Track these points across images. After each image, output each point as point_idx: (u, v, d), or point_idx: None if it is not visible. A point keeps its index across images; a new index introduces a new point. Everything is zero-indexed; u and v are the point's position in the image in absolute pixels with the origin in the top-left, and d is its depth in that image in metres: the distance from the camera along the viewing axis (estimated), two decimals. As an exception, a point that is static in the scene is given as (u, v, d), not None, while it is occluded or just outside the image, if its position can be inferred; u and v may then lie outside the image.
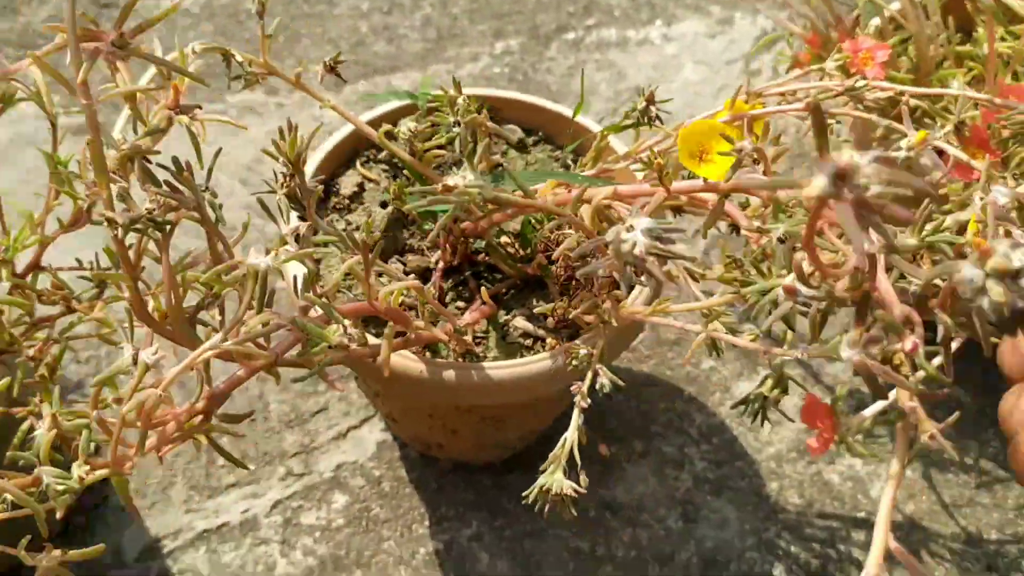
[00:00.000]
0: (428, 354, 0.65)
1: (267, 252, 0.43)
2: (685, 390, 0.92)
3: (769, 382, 0.51)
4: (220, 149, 0.54)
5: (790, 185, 0.29)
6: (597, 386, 0.55)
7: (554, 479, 0.51)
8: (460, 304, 0.67)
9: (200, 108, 0.50)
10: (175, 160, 0.46)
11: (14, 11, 1.26)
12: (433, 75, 1.18)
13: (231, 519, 0.82)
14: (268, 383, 0.92)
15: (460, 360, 0.64)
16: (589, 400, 0.56)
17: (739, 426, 0.89)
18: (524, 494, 0.53)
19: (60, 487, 0.39)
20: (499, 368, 0.61)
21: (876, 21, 0.70)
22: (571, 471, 0.58)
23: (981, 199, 0.46)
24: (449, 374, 0.62)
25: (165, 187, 0.44)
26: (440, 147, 0.65)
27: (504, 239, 0.68)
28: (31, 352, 0.54)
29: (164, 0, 1.22)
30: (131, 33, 0.44)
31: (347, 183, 0.74)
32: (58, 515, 0.41)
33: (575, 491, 0.53)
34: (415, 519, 0.82)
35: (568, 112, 0.77)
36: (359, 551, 0.80)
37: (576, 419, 0.54)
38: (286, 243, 0.47)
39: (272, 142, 0.50)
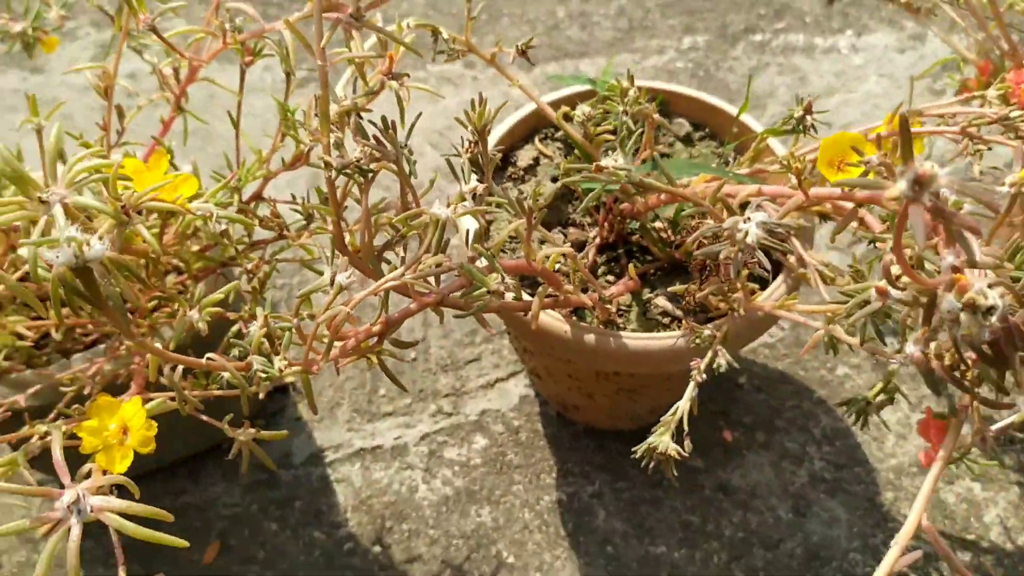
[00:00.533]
0: (574, 318, 0.72)
1: (447, 206, 0.51)
2: (816, 392, 0.95)
3: (878, 386, 0.55)
4: (420, 114, 0.62)
5: (878, 186, 0.33)
6: (715, 366, 0.61)
7: (661, 440, 0.57)
8: (610, 278, 0.74)
9: (408, 76, 0.58)
10: (383, 119, 0.55)
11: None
12: (618, 64, 1.24)
13: (385, 443, 0.93)
14: (432, 328, 1.01)
15: (601, 327, 0.70)
16: (705, 376, 0.61)
17: (865, 434, 0.92)
18: (634, 449, 0.59)
19: (264, 373, 0.49)
20: (634, 339, 0.68)
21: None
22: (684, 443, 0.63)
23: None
24: (589, 337, 0.69)
25: (373, 141, 0.53)
26: (610, 132, 0.71)
27: (658, 224, 0.74)
28: (248, 266, 0.65)
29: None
30: (366, 7, 0.53)
31: (524, 156, 0.82)
32: (260, 395, 0.51)
33: (680, 455, 0.58)
34: (544, 470, 0.90)
35: (735, 111, 0.82)
36: (491, 489, 0.89)
37: (690, 391, 0.60)
38: (464, 200, 0.55)
39: (464, 112, 0.58)
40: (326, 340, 0.55)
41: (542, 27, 1.30)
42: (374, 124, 0.57)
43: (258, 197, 0.68)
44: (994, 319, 0.30)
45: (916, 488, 0.88)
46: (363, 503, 0.89)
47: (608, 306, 0.68)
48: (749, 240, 0.41)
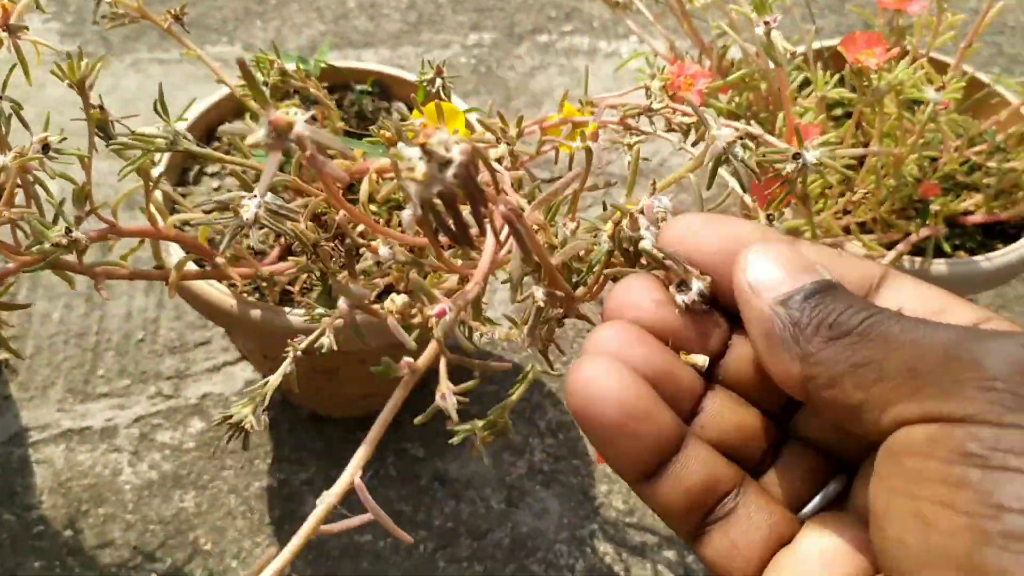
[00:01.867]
0: (257, 296, 0.70)
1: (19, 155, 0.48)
2: (547, 385, 0.95)
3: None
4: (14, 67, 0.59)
5: (242, 132, 0.33)
6: (317, 345, 0.59)
7: (242, 412, 0.55)
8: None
9: (27, 29, 0.56)
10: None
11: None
12: (401, 56, 1.23)
13: (95, 424, 0.89)
14: (166, 310, 0.98)
15: (272, 304, 0.69)
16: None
17: (588, 428, 0.92)
18: (216, 420, 0.57)
19: None
20: (295, 316, 0.66)
21: (736, 54, 0.73)
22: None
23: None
24: (255, 313, 0.67)
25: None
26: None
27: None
28: None
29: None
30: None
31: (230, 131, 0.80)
32: None
33: (253, 428, 0.55)
34: (259, 455, 0.88)
35: (462, 105, 0.82)
36: (199, 474, 0.86)
37: (285, 366, 0.58)
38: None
39: (56, 64, 0.55)
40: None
41: (331, 15, 1.28)
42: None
43: None
44: (451, 172, 0.28)
45: (632, 482, 0.89)
46: (61, 485, 0.85)
47: (265, 282, 0.66)
48: (246, 217, 0.40)
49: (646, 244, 0.38)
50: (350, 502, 0.44)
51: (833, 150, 0.63)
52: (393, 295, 0.43)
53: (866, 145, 0.77)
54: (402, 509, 0.85)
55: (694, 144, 0.68)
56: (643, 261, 0.39)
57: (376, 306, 0.47)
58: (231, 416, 0.52)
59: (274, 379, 0.55)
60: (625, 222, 0.40)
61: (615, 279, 0.41)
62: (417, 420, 0.47)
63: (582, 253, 0.44)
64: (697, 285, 0.33)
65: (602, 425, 0.31)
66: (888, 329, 0.28)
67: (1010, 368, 0.25)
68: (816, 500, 0.34)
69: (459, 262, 0.55)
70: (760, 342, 0.31)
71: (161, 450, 0.87)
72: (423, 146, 0.27)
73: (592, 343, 0.33)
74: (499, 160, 0.60)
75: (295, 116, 0.29)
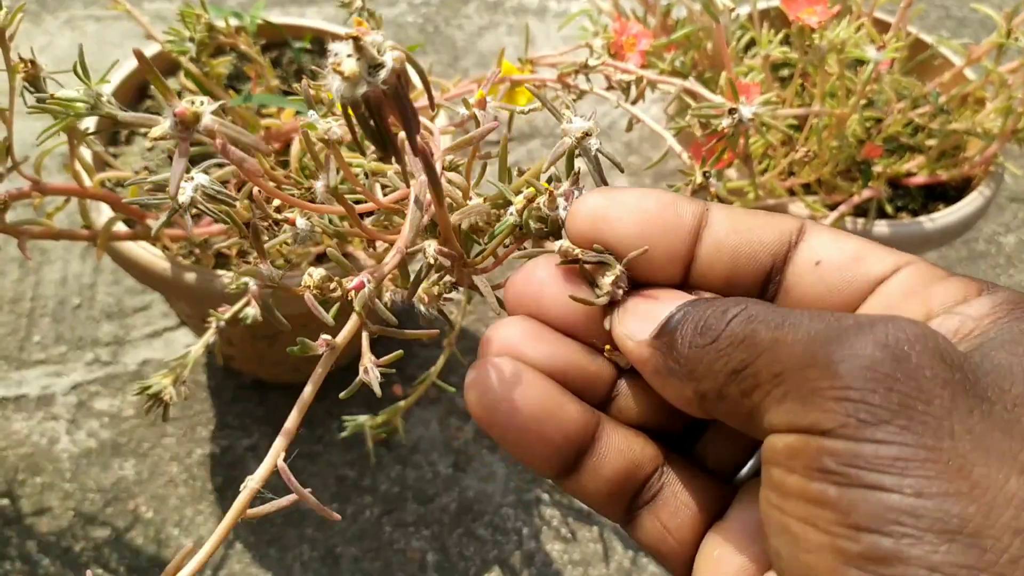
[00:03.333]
0: (192, 259, 0.68)
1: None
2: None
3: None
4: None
5: (145, 123, 0.31)
6: (241, 316, 0.57)
7: (160, 382, 0.54)
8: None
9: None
10: None
11: None
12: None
13: (30, 392, 0.87)
14: (103, 274, 0.96)
15: (205, 267, 0.67)
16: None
17: (535, 391, 0.92)
18: (136, 390, 0.56)
19: None
20: (209, 277, 0.64)
21: (681, 12, 0.72)
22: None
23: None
24: (189, 276, 0.65)
25: None
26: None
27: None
28: None
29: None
30: None
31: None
32: None
33: (172, 400, 0.54)
34: (201, 422, 0.86)
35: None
36: (139, 442, 0.85)
37: (208, 336, 0.56)
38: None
39: None
40: None
41: (275, -29, 1.25)
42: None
43: None
44: (382, 76, 0.26)
45: (579, 444, 0.88)
46: (-5, 455, 0.83)
47: (198, 247, 0.64)
48: (182, 200, 0.39)
49: (563, 242, 0.37)
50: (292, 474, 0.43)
51: (774, 109, 0.62)
52: (311, 269, 0.42)
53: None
54: (347, 474, 0.85)
55: (633, 102, 0.67)
56: (547, 242, 0.38)
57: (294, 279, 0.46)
58: (150, 387, 0.51)
59: (196, 349, 0.54)
60: (542, 200, 0.39)
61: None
62: (342, 395, 0.46)
63: (482, 222, 0.43)
64: (611, 277, 0.32)
65: (507, 431, 0.30)
66: (755, 328, 0.26)
67: (865, 374, 0.23)
68: (750, 464, 0.33)
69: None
70: (653, 381, 0.30)
71: (99, 418, 0.86)
72: (355, 40, 0.25)
73: (490, 343, 0.32)
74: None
75: (202, 107, 0.28)
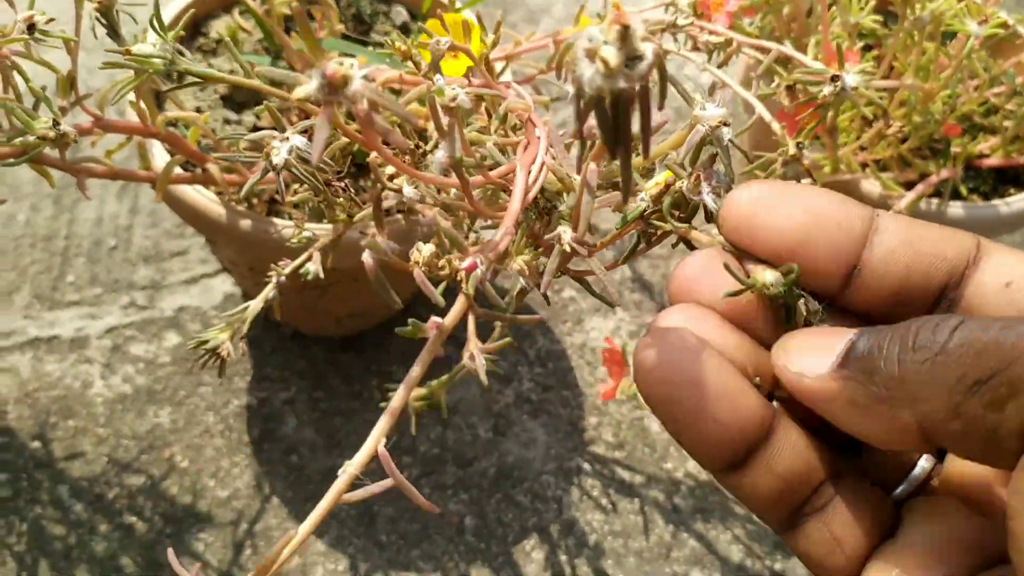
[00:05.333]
0: (245, 205, 0.66)
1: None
2: (537, 313, 0.92)
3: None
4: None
5: (287, 80, 0.29)
6: (302, 272, 0.55)
7: (217, 337, 0.51)
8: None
9: None
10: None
11: None
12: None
13: (63, 333, 0.85)
14: (140, 216, 0.93)
15: (263, 215, 0.65)
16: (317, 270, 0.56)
17: (579, 359, 0.90)
18: (191, 342, 0.53)
19: None
20: (288, 228, 0.62)
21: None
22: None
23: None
24: (245, 223, 0.63)
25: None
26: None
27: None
28: None
29: None
30: None
31: (219, 26, 0.74)
32: None
33: (230, 355, 0.52)
34: (238, 372, 0.84)
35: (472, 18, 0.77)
36: (175, 389, 0.83)
37: (268, 291, 0.54)
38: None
39: None
40: None
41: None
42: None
43: None
44: (640, 70, 0.23)
45: (621, 416, 0.87)
46: (28, 396, 0.81)
47: (255, 195, 0.62)
48: (275, 161, 0.36)
49: (710, 207, 0.35)
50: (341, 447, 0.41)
51: (869, 80, 0.59)
52: (419, 244, 0.40)
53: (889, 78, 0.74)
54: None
55: (720, 66, 0.64)
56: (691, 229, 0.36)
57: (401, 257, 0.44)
58: (207, 341, 0.49)
59: (255, 304, 0.52)
60: (684, 183, 0.36)
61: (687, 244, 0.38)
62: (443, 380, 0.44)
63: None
64: (775, 276, 0.30)
65: (680, 408, 0.28)
66: (996, 336, 0.24)
67: None
68: (909, 482, 0.31)
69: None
70: (846, 416, 0.27)
71: (135, 363, 0.84)
72: (625, 28, 0.22)
73: (662, 323, 0.30)
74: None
75: (351, 69, 0.25)
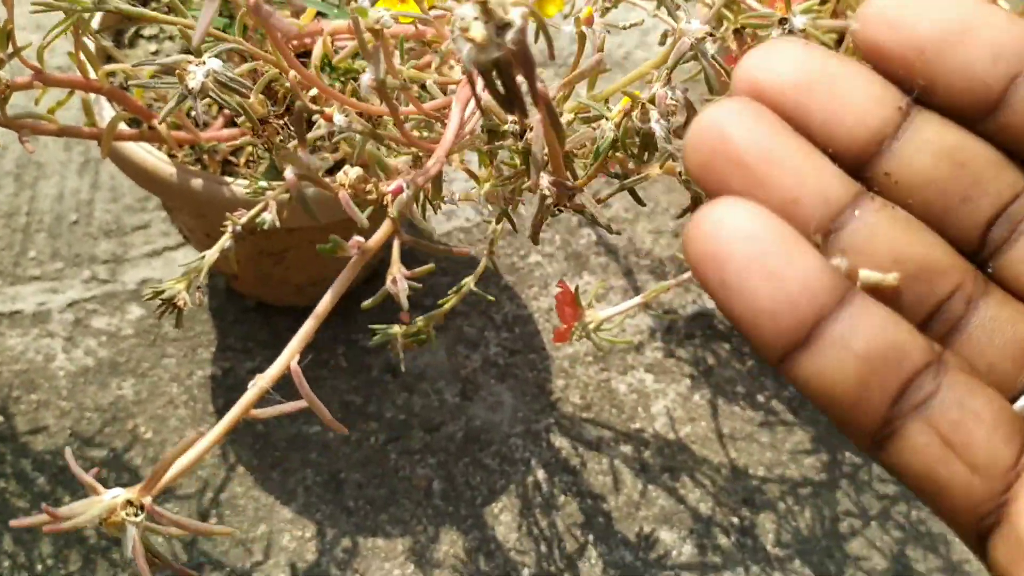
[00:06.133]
0: (198, 166, 0.65)
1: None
2: (504, 278, 0.92)
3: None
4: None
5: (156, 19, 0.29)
6: (258, 221, 0.54)
7: (174, 287, 0.51)
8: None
9: None
10: None
11: None
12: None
13: (25, 308, 0.84)
14: (101, 191, 0.92)
15: (214, 174, 0.64)
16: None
17: (545, 322, 0.90)
18: (148, 294, 0.52)
19: None
20: (239, 187, 0.62)
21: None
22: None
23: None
24: (196, 183, 0.62)
25: None
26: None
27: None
28: None
29: None
30: None
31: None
32: None
33: (186, 304, 0.51)
34: (202, 343, 0.84)
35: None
36: (138, 361, 0.82)
37: (220, 244, 0.53)
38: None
39: None
40: None
41: None
42: None
43: None
44: (509, 37, 0.24)
45: (588, 377, 0.87)
46: (-11, 371, 0.80)
47: (206, 153, 0.61)
48: (191, 85, 0.36)
49: (659, 135, 0.35)
50: (290, 391, 0.41)
51: (815, 18, 0.59)
52: (347, 167, 0.39)
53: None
54: (352, 400, 0.82)
55: (671, 13, 0.64)
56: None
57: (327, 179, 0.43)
58: (163, 291, 0.48)
59: (210, 254, 0.51)
60: (635, 113, 0.36)
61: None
62: (365, 304, 0.44)
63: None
64: None
65: (731, 267, 0.23)
66: None
67: None
68: None
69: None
70: None
71: (97, 336, 0.83)
72: (483, 4, 0.23)
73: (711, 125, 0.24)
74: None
75: None
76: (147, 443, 0.78)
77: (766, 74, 0.24)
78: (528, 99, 0.27)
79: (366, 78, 0.38)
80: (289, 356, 0.37)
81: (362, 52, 0.37)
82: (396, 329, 0.69)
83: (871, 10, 0.25)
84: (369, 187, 0.38)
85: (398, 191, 0.36)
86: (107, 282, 0.86)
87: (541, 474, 0.80)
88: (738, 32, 0.61)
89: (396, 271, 0.38)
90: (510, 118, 0.42)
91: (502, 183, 0.45)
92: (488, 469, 0.80)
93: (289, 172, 0.36)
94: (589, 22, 0.45)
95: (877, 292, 0.24)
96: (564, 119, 0.44)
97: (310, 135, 0.44)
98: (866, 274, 0.24)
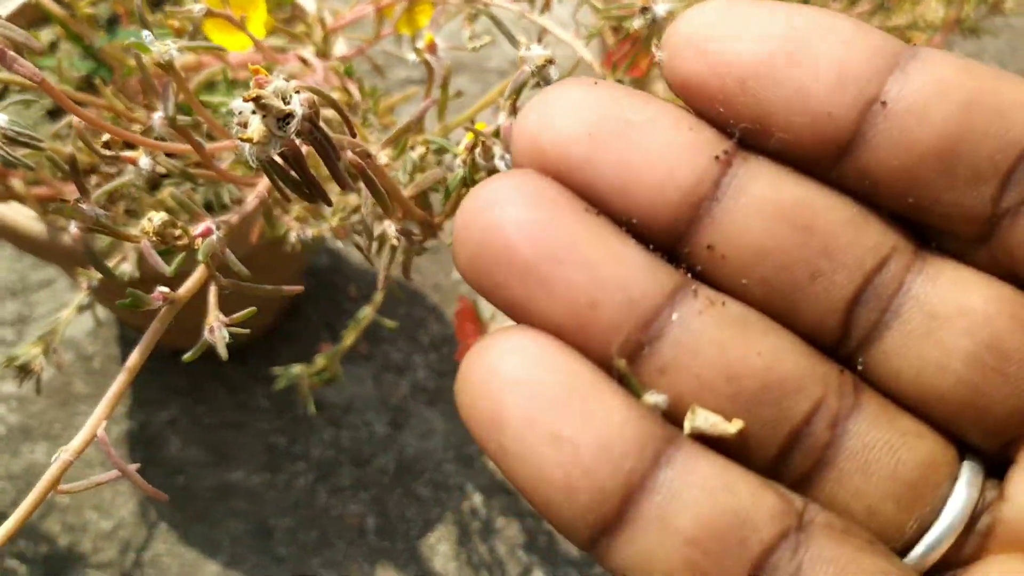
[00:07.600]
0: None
1: None
2: (429, 298, 0.89)
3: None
4: None
5: None
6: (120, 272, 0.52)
7: (29, 351, 0.48)
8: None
9: None
10: None
11: None
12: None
13: (-71, 379, 0.81)
14: (3, 250, 0.89)
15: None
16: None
17: (473, 339, 0.87)
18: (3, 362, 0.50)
19: None
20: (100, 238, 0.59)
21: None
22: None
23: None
24: (66, 239, 0.59)
25: None
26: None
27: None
28: None
29: None
30: None
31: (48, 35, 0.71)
32: None
33: (41, 368, 0.49)
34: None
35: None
36: (50, 423, 0.79)
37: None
38: None
39: None
40: None
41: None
42: None
43: None
44: (293, 127, 0.22)
45: (522, 392, 0.84)
46: None
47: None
48: None
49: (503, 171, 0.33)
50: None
51: (685, 4, 0.56)
52: (151, 213, 0.37)
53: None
54: (277, 442, 0.79)
55: (541, 12, 0.61)
56: None
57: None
58: (16, 358, 0.45)
59: (66, 314, 0.48)
60: (478, 149, 0.34)
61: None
62: (186, 357, 0.41)
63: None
64: None
65: (509, 431, 0.19)
66: None
67: None
68: (940, 529, 0.20)
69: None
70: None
71: (6, 401, 0.80)
72: (256, 100, 0.21)
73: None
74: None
75: None
76: (64, 509, 0.75)
77: (547, 132, 0.19)
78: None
79: (157, 117, 0.35)
80: (95, 424, 0.35)
81: (145, 90, 0.34)
82: (298, 370, 0.66)
83: (678, 37, 0.20)
84: (179, 232, 0.35)
85: (207, 232, 0.33)
86: (15, 343, 0.83)
87: (477, 498, 0.77)
88: (616, 29, 0.58)
89: (214, 319, 0.35)
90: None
91: (347, 216, 0.42)
92: (422, 499, 0.77)
93: (73, 226, 0.34)
94: (432, 50, 0.42)
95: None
96: (416, 153, 0.42)
97: (119, 181, 0.41)
98: (695, 424, 0.19)
